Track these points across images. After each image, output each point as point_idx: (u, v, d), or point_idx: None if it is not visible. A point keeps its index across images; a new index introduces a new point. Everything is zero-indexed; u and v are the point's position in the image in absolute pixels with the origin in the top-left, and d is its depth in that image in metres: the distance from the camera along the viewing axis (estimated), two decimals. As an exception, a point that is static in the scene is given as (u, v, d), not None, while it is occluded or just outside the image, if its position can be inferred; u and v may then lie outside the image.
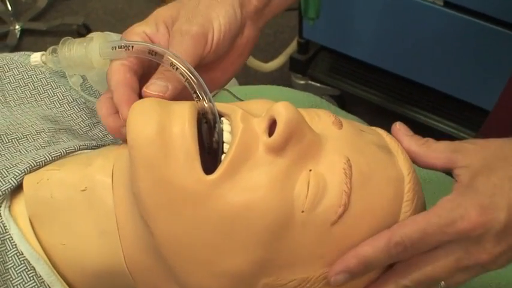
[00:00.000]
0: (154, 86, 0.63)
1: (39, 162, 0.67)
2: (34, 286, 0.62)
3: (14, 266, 0.62)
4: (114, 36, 0.69)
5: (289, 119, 0.57)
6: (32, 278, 0.62)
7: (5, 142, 0.72)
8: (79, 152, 0.72)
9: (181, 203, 0.56)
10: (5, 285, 0.61)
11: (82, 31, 2.81)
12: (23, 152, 0.71)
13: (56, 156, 0.69)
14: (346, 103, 2.33)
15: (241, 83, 1.39)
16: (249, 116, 0.60)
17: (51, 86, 0.82)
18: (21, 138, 0.73)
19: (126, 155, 0.61)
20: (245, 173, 0.57)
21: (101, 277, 0.64)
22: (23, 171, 0.65)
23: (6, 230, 0.63)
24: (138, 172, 0.57)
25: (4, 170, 0.66)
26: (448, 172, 0.66)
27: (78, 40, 0.66)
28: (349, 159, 0.60)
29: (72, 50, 0.66)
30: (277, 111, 0.57)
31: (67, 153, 0.70)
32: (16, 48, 2.79)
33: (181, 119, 0.58)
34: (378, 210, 0.60)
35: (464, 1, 1.73)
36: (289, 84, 2.34)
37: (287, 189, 0.57)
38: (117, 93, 0.63)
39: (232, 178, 0.57)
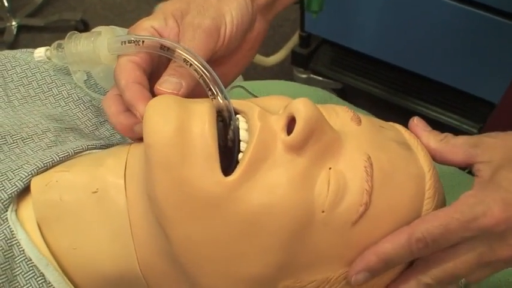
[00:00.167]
0: (167, 83, 0.61)
1: (46, 163, 0.65)
2: None
3: (23, 273, 0.60)
4: (120, 31, 0.67)
5: (308, 116, 0.55)
6: (41, 285, 0.60)
7: (9, 143, 0.70)
8: (87, 152, 0.69)
9: (200, 206, 0.54)
10: None
11: (80, 27, 2.79)
12: (28, 153, 0.69)
13: (64, 156, 0.66)
14: (348, 96, 2.32)
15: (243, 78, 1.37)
16: (267, 114, 0.58)
17: (56, 84, 0.80)
18: (27, 139, 0.71)
19: (139, 154, 0.59)
20: (264, 173, 0.55)
21: (114, 282, 0.62)
22: (29, 173, 0.63)
23: (14, 235, 0.61)
24: (155, 173, 0.55)
25: (10, 172, 0.64)
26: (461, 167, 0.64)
27: (85, 35, 0.64)
28: (370, 157, 0.58)
29: (79, 45, 0.64)
30: (296, 109, 0.56)
31: (75, 153, 0.68)
32: (13, 45, 2.77)
33: (201, 118, 0.56)
34: (399, 208, 0.59)
35: (468, -8, 1.72)
36: (291, 78, 2.33)
37: (307, 189, 0.56)
38: (129, 91, 0.61)
39: (251, 179, 0.55)
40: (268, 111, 0.59)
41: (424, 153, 0.64)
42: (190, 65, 0.59)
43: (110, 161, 0.62)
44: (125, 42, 0.62)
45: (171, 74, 0.62)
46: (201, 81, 0.59)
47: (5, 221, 0.61)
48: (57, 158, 0.66)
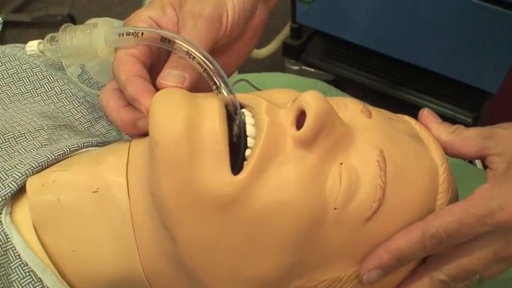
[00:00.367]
0: (170, 76, 0.58)
1: (41, 162, 0.62)
2: None
3: (19, 279, 0.57)
4: (116, 23, 0.64)
5: (319, 109, 0.53)
6: None
7: (1, 142, 0.67)
8: (84, 149, 0.67)
9: (209, 207, 0.52)
10: None
11: (67, 22, 2.72)
12: (22, 152, 0.67)
13: (59, 155, 0.64)
14: (340, 88, 2.30)
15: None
16: (275, 108, 0.56)
17: (48, 79, 0.77)
18: (19, 137, 0.68)
19: (142, 151, 0.57)
20: (274, 170, 0.53)
21: (115, 285, 0.60)
22: (24, 173, 0.61)
23: (8, 239, 0.58)
24: (162, 172, 0.52)
25: (3, 172, 0.61)
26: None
27: (80, 27, 0.62)
28: (382, 151, 0.56)
29: (75, 37, 0.61)
30: (306, 102, 0.53)
31: (71, 152, 0.65)
32: (-1, 41, 2.74)
33: (212, 115, 0.54)
34: (412, 203, 0.57)
35: (462, -20, 1.70)
36: (283, 70, 2.32)
37: (319, 186, 0.54)
38: (131, 85, 0.58)
39: (260, 177, 0.53)
40: (276, 105, 0.57)
41: (436, 145, 0.62)
42: (193, 58, 0.57)
43: (110, 159, 0.60)
44: (122, 34, 0.59)
45: (173, 67, 0.59)
46: (205, 74, 0.56)
47: None
48: (53, 156, 0.63)
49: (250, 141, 0.54)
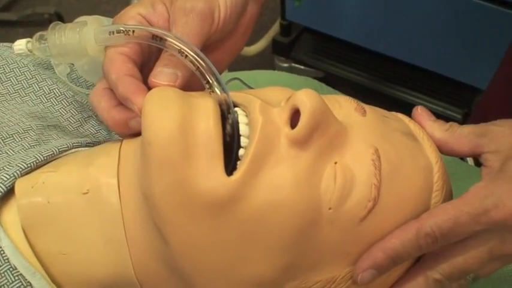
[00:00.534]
0: (162, 74, 0.57)
1: (30, 163, 0.61)
2: None
3: (8, 283, 0.56)
4: (106, 21, 0.63)
5: (313, 108, 0.52)
6: None
7: None
8: (73, 150, 0.66)
9: (202, 208, 0.51)
10: None
11: (54, 20, 2.70)
12: (9, 153, 0.65)
13: (48, 155, 0.62)
14: (330, 85, 2.30)
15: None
16: (268, 107, 0.55)
17: (36, 79, 0.76)
18: (7, 138, 0.67)
19: (134, 151, 0.56)
20: (268, 170, 0.52)
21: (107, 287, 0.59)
22: (12, 175, 0.59)
23: None
24: (154, 172, 0.51)
25: None
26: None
27: (69, 25, 0.61)
28: (377, 149, 0.56)
29: (64, 36, 0.60)
30: (301, 100, 0.53)
31: (60, 152, 0.64)
32: (-15, 41, 2.72)
33: (206, 114, 0.53)
34: (407, 202, 0.57)
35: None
36: (272, 67, 2.32)
37: (313, 185, 0.53)
38: (123, 85, 0.57)
39: (254, 177, 0.52)
40: (269, 104, 0.56)
41: (430, 143, 0.62)
42: (186, 56, 0.56)
43: (101, 159, 0.59)
44: (113, 32, 0.58)
45: (165, 65, 0.58)
46: (197, 73, 0.56)
47: None
48: (42, 157, 0.62)
49: (243, 141, 0.54)
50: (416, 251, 0.56)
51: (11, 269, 0.56)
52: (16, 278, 0.56)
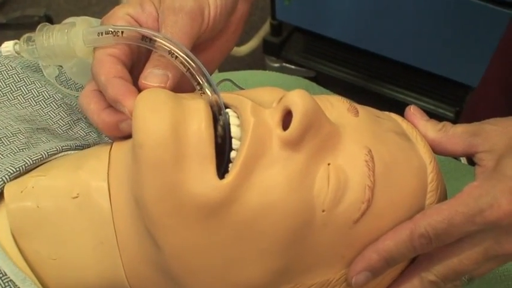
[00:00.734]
0: (152, 76, 0.56)
1: (18, 167, 0.60)
2: None
3: None
4: (95, 22, 0.62)
5: (305, 109, 0.51)
6: None
7: None
8: (63, 153, 0.65)
9: (193, 212, 0.51)
10: None
11: (44, 22, 2.71)
12: None
13: (37, 159, 0.62)
14: (321, 85, 2.30)
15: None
16: (260, 108, 0.54)
17: (25, 82, 0.75)
18: None
19: (124, 154, 0.55)
20: (260, 172, 0.52)
21: None
22: (0, 179, 0.58)
23: None
24: (145, 176, 0.51)
25: None
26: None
27: (58, 26, 0.60)
28: (370, 150, 0.55)
29: (52, 37, 0.59)
30: (293, 101, 0.52)
31: (49, 156, 0.63)
32: (-26, 44, 2.70)
33: (198, 117, 0.52)
34: (401, 203, 0.56)
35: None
36: (263, 67, 2.31)
37: (306, 187, 0.52)
38: (112, 87, 0.56)
39: (247, 179, 0.51)
40: (261, 105, 0.55)
41: (424, 143, 0.61)
42: (176, 57, 0.55)
43: (91, 163, 0.58)
44: (102, 33, 0.57)
45: (155, 66, 0.57)
46: (188, 74, 0.55)
47: None
48: (30, 161, 0.61)
49: (235, 143, 0.53)
50: (410, 252, 0.55)
51: (0, 275, 0.55)
52: (6, 284, 0.55)
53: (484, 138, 0.60)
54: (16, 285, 0.55)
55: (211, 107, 0.54)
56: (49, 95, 0.75)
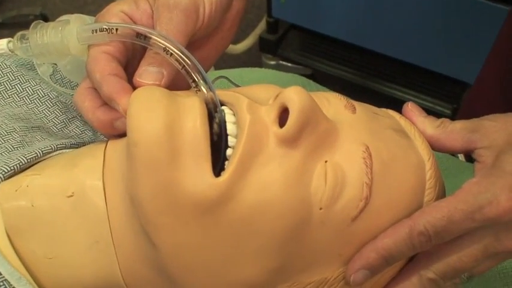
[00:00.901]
0: (147, 73, 0.56)
1: (13, 166, 0.59)
2: None
3: None
4: (89, 20, 0.62)
5: (302, 106, 0.51)
6: None
7: None
8: (58, 152, 0.64)
9: (188, 210, 0.50)
10: None
11: (39, 21, 2.72)
12: None
13: (32, 158, 0.61)
14: (318, 82, 2.31)
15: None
16: (256, 105, 0.54)
17: (19, 80, 0.75)
18: None
19: (119, 152, 0.55)
20: (256, 170, 0.51)
21: None
22: None
23: None
24: (140, 174, 0.50)
25: None
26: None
27: (52, 24, 0.59)
28: (368, 147, 0.54)
29: (46, 35, 0.59)
30: (289, 98, 0.51)
31: (44, 154, 0.63)
32: (-30, 43, 2.69)
33: (193, 114, 0.51)
34: (399, 200, 0.56)
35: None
36: (260, 65, 2.30)
37: (304, 185, 0.52)
38: (107, 84, 0.55)
39: (243, 177, 0.51)
40: (257, 102, 0.55)
41: (422, 140, 0.61)
42: (171, 54, 0.55)
43: (85, 161, 0.57)
44: (96, 30, 0.57)
45: (150, 63, 0.57)
46: (183, 71, 0.54)
47: None
48: (25, 160, 0.61)
49: (231, 140, 0.53)
50: (409, 250, 0.55)
51: None
52: (1, 283, 0.54)
53: (483, 134, 0.59)
54: (11, 285, 0.55)
55: (207, 104, 0.53)
56: (44, 93, 0.75)
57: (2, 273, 0.54)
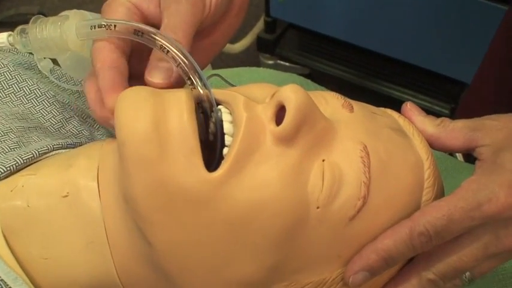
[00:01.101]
0: (157, 71, 0.56)
1: (9, 167, 0.59)
2: None
3: None
4: (89, 15, 0.62)
5: (299, 104, 0.51)
6: None
7: None
8: (54, 152, 0.64)
9: (182, 206, 0.50)
10: None
11: (38, 20, 2.72)
12: None
13: (28, 158, 0.61)
14: (316, 82, 2.31)
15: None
16: (253, 103, 0.54)
17: (17, 79, 0.74)
18: None
19: (113, 153, 0.54)
20: (252, 167, 0.51)
21: None
22: None
23: None
24: (131, 173, 0.50)
25: None
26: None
27: (51, 19, 0.59)
28: (365, 146, 0.54)
29: (45, 29, 0.58)
30: (286, 96, 0.51)
31: (40, 155, 0.62)
32: (-32, 42, 2.69)
33: (179, 109, 0.51)
34: (398, 200, 0.55)
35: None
36: (257, 64, 2.31)
37: (300, 184, 0.52)
38: (101, 77, 0.56)
39: (238, 175, 0.50)
40: (254, 101, 0.54)
41: (421, 139, 0.60)
42: (168, 51, 0.54)
43: (81, 161, 0.57)
44: (94, 26, 0.57)
45: (159, 59, 0.57)
46: (179, 69, 0.54)
47: None
48: (21, 160, 0.60)
49: (228, 139, 0.52)
50: (410, 252, 0.55)
51: None
52: None
53: (485, 132, 0.59)
54: (7, 285, 0.54)
55: (203, 103, 0.53)
56: (41, 93, 0.75)
57: None
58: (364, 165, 0.53)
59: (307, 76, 2.21)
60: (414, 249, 0.54)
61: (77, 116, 0.76)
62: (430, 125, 0.62)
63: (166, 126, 0.50)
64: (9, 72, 0.74)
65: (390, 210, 0.55)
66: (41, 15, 0.60)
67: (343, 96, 0.60)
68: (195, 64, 0.54)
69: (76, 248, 0.56)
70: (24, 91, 0.74)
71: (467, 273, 0.57)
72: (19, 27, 0.60)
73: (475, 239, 0.55)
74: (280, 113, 0.52)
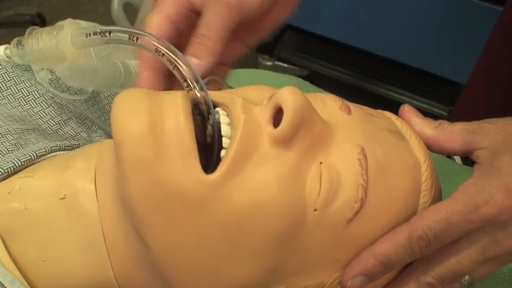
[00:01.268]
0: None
1: (7, 169, 0.59)
2: None
3: None
4: (84, 24, 0.62)
5: (297, 106, 0.51)
6: None
7: None
8: (52, 154, 0.64)
9: (179, 208, 0.50)
10: None
11: (36, 21, 2.72)
12: None
13: (26, 160, 0.61)
14: (314, 83, 2.31)
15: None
16: (250, 105, 0.54)
17: (14, 81, 0.74)
18: None
19: (110, 154, 0.54)
20: (250, 170, 0.51)
21: None
22: None
23: None
24: (128, 175, 0.50)
25: None
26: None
27: (46, 29, 0.59)
28: (363, 148, 0.54)
29: (41, 40, 0.58)
30: (283, 98, 0.51)
31: (38, 157, 0.62)
32: (-33, 43, 2.69)
33: (175, 111, 0.51)
34: (395, 203, 0.55)
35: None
36: (256, 65, 2.31)
37: (298, 186, 0.52)
38: (140, 78, 0.61)
39: (235, 177, 0.50)
40: (252, 103, 0.54)
41: (418, 142, 0.60)
42: (163, 54, 0.55)
43: (78, 163, 0.57)
44: (89, 34, 0.57)
45: (193, 53, 0.60)
46: (175, 72, 0.54)
47: None
48: (19, 162, 0.60)
49: (225, 141, 0.52)
50: (409, 256, 0.54)
51: None
52: None
53: (483, 135, 0.59)
54: (5, 287, 0.54)
55: (200, 105, 0.53)
56: (39, 94, 0.75)
57: None
58: (362, 167, 0.53)
59: (305, 77, 2.21)
60: (413, 254, 0.54)
61: (75, 118, 0.76)
62: (428, 127, 0.61)
63: (163, 128, 0.50)
64: (7, 74, 0.74)
65: (388, 213, 0.55)
66: (36, 27, 0.60)
67: (340, 99, 0.60)
68: (191, 66, 0.54)
69: (73, 250, 0.56)
70: (22, 93, 0.74)
71: (467, 277, 0.57)
72: (15, 40, 0.60)
73: (473, 242, 0.55)
74: (277, 115, 0.52)
